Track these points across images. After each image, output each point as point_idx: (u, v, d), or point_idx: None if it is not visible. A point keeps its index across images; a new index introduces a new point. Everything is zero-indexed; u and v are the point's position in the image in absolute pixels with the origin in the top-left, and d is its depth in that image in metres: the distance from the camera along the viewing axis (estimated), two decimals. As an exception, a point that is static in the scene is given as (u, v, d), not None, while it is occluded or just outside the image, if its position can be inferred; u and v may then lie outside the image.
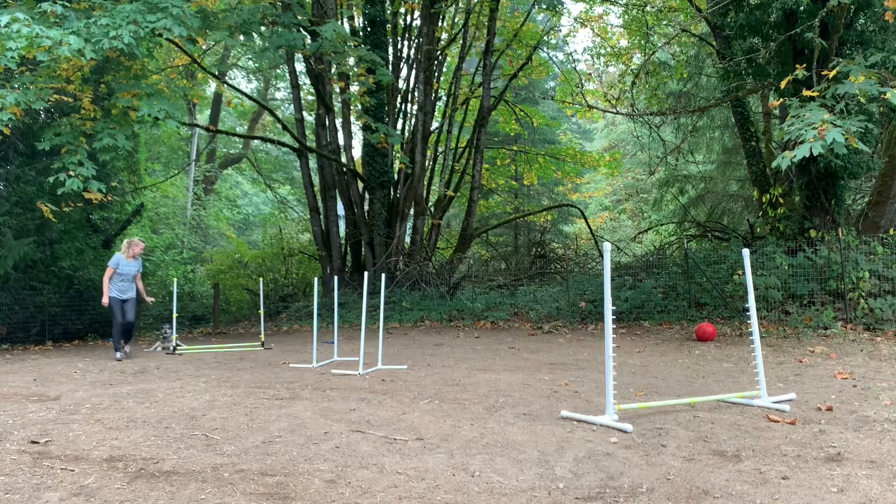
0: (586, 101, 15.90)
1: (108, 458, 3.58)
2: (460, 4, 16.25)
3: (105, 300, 8.42)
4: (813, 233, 10.13)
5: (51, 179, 9.01)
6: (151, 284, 15.50)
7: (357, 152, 17.23)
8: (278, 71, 21.55)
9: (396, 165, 15.61)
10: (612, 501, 2.89)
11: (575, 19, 17.72)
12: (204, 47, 15.22)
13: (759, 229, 12.46)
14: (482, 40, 15.46)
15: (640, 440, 3.86)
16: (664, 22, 15.64)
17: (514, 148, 20.22)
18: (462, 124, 17.33)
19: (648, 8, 15.30)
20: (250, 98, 18.56)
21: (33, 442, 3.92)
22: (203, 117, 24.35)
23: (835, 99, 7.60)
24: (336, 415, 4.60)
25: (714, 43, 12.66)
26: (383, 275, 8.02)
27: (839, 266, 9.41)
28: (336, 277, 9.20)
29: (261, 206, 28.78)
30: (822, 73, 7.92)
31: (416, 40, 15.65)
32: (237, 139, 25.61)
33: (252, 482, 3.15)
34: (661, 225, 18.37)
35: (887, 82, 7.54)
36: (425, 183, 15.82)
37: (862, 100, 7.49)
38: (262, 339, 9.87)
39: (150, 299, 9.23)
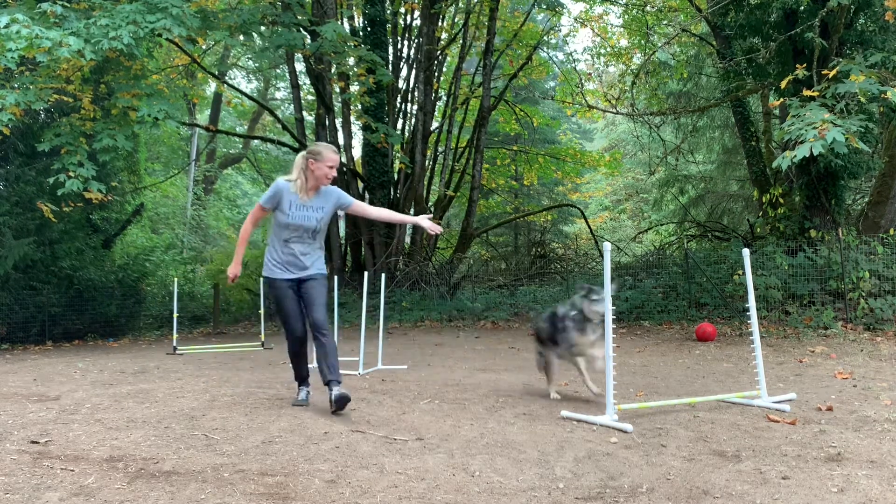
0: (586, 101, 15.90)
1: (108, 458, 3.58)
2: (460, 4, 16.25)
3: (232, 270, 4.69)
4: (813, 233, 10.13)
5: (51, 180, 9.02)
6: (151, 284, 15.48)
7: (357, 152, 17.24)
8: (278, 71, 21.57)
9: (396, 165, 15.62)
10: (612, 501, 2.89)
11: (575, 19, 17.75)
12: (204, 47, 15.24)
13: (759, 229, 12.46)
14: (482, 40, 15.46)
15: (640, 440, 3.86)
16: (664, 22, 15.64)
17: (514, 148, 20.23)
18: (462, 124, 17.33)
19: (648, 8, 15.30)
20: (250, 98, 18.58)
21: (33, 442, 3.92)
22: (203, 117, 24.36)
23: (835, 99, 7.60)
24: (336, 415, 4.59)
25: (714, 43, 12.66)
26: (383, 275, 8.01)
27: (839, 266, 9.40)
28: (336, 277, 9.21)
29: (261, 206, 28.74)
30: (823, 73, 7.92)
31: (416, 40, 15.66)
32: (237, 139, 25.62)
33: (252, 482, 3.15)
34: (661, 225, 18.38)
35: (887, 82, 7.54)
36: (425, 183, 15.82)
37: (862, 99, 7.49)
38: (263, 339, 9.87)
39: (433, 227, 4.71)
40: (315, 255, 4.63)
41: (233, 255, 4.83)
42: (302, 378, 4.87)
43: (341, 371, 4.62)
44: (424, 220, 4.72)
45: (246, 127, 26.02)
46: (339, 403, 4.37)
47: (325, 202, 4.58)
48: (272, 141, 20.42)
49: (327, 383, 4.47)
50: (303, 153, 4.57)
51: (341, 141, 15.68)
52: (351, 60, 13.32)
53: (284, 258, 4.52)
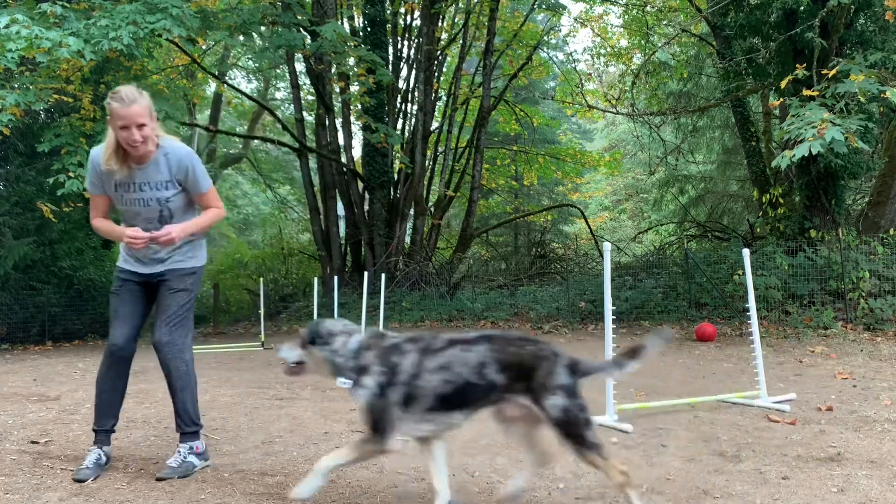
0: (586, 101, 15.90)
1: (108, 458, 3.58)
2: (460, 4, 16.25)
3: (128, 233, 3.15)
4: (813, 233, 10.12)
5: (51, 180, 9.02)
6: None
7: (357, 152, 17.24)
8: (278, 71, 21.53)
9: (396, 165, 15.62)
10: (612, 501, 2.89)
11: (575, 19, 17.73)
12: (204, 47, 15.23)
13: (759, 229, 12.46)
14: (482, 40, 15.46)
15: (640, 440, 3.86)
16: (664, 22, 15.63)
17: (514, 148, 20.21)
18: (462, 124, 17.32)
19: (648, 8, 15.29)
20: (250, 98, 18.59)
21: (33, 442, 3.92)
22: (203, 117, 24.32)
23: (835, 98, 7.60)
24: (336, 415, 4.60)
25: (714, 43, 12.65)
26: (383, 275, 8.02)
27: (839, 266, 9.40)
28: (336, 277, 9.21)
29: (261, 206, 28.76)
30: (823, 73, 7.92)
31: (416, 40, 15.65)
32: (237, 139, 25.59)
33: (252, 482, 3.15)
34: (661, 225, 18.37)
35: (887, 82, 7.54)
36: (425, 183, 15.81)
37: (862, 99, 7.49)
38: (263, 340, 9.87)
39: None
40: (165, 248, 3.24)
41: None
42: (103, 425, 3.31)
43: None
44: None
45: (246, 127, 25.99)
46: (162, 476, 3.16)
47: (171, 174, 3.22)
48: (272, 141, 20.42)
49: (181, 434, 3.34)
50: (110, 97, 3.11)
51: (341, 141, 15.68)
52: (351, 60, 13.32)
53: (131, 251, 3.27)
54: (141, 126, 3.04)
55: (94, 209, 3.29)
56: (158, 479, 3.14)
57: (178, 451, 3.28)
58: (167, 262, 3.28)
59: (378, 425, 2.59)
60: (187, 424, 3.32)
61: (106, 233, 3.31)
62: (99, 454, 3.24)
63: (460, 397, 2.59)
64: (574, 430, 2.53)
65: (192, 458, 3.28)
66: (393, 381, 2.58)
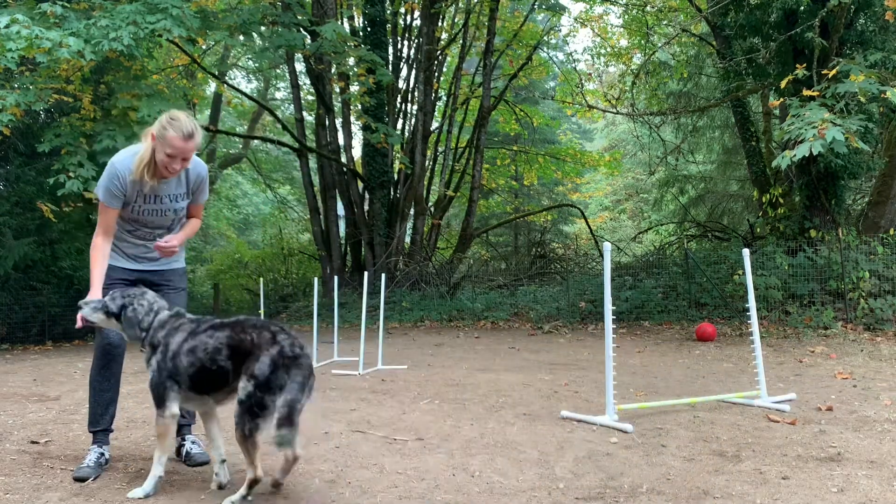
0: (586, 101, 15.90)
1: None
2: (460, 4, 16.25)
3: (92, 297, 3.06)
4: (813, 233, 10.13)
5: (51, 180, 9.02)
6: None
7: (357, 152, 17.24)
8: (278, 71, 21.54)
9: (396, 165, 15.61)
10: (612, 501, 2.89)
11: (575, 19, 17.72)
12: (204, 47, 15.23)
13: (759, 229, 12.46)
14: (482, 40, 15.45)
15: (640, 440, 3.86)
16: (664, 22, 15.63)
17: (514, 148, 20.21)
18: (462, 124, 17.32)
19: (648, 8, 15.29)
20: (250, 98, 18.57)
21: (33, 442, 3.92)
22: (203, 117, 24.32)
23: (835, 98, 7.60)
24: (336, 415, 4.60)
25: (714, 43, 12.66)
26: (383, 275, 8.01)
27: (839, 266, 9.40)
28: (336, 277, 9.20)
29: (261, 206, 28.76)
30: (823, 73, 7.92)
31: (416, 40, 15.66)
32: (237, 139, 25.59)
33: (252, 482, 3.14)
34: (661, 225, 18.36)
35: (887, 82, 7.54)
36: (425, 183, 15.81)
37: (862, 99, 7.49)
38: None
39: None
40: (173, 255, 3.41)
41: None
42: (100, 424, 3.36)
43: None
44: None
45: (246, 127, 25.97)
46: (196, 462, 3.42)
47: (188, 187, 3.35)
48: (272, 141, 20.41)
49: (178, 427, 3.41)
50: (165, 118, 3.10)
51: (341, 141, 15.68)
52: (351, 60, 13.32)
53: (126, 250, 3.32)
54: (186, 159, 3.14)
55: (105, 224, 3.20)
56: (198, 465, 3.40)
57: (194, 442, 3.54)
58: (161, 260, 3.41)
59: (159, 400, 2.89)
60: (192, 416, 3.56)
61: (94, 260, 3.16)
62: (99, 453, 3.32)
63: (200, 380, 2.84)
64: (243, 417, 2.68)
65: (200, 446, 3.58)
66: (164, 358, 2.87)
